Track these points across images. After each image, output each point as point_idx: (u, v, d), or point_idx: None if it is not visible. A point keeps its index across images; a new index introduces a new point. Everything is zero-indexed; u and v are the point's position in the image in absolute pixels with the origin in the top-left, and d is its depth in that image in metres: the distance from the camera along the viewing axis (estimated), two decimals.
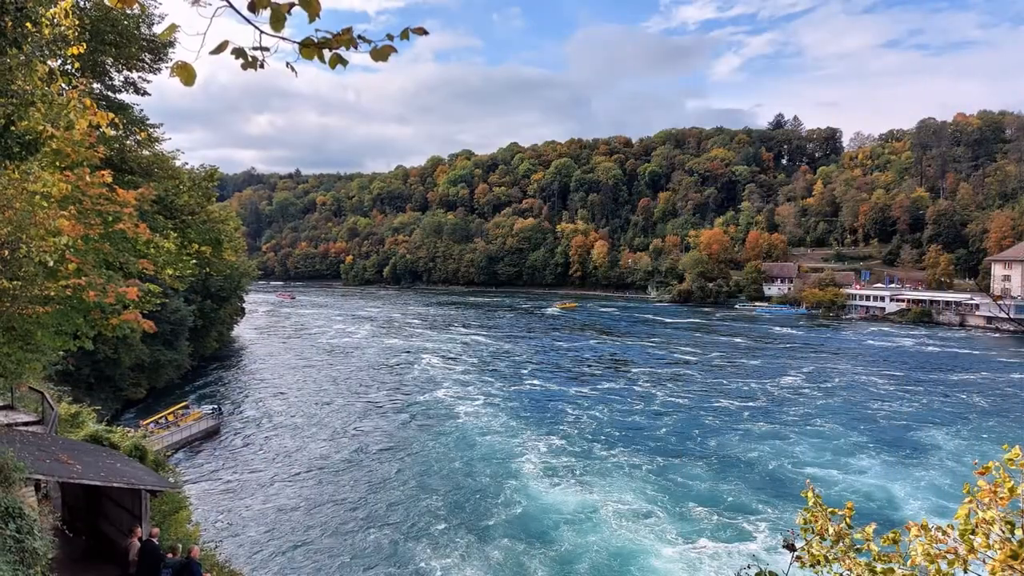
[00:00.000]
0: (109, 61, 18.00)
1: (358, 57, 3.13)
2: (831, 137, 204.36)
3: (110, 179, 9.62)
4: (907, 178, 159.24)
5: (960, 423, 47.70)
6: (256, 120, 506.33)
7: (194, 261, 16.56)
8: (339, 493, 34.70)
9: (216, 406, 50.29)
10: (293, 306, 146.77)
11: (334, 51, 3.05)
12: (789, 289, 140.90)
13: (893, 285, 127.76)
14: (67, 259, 8.76)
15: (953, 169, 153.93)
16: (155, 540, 14.04)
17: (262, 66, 3.20)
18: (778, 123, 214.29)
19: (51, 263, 8.46)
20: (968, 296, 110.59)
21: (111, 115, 8.26)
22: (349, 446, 43.00)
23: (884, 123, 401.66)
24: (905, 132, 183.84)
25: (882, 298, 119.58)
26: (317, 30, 3.00)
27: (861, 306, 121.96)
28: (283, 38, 3.03)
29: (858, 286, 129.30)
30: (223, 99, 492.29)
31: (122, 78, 19.05)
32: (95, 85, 18.16)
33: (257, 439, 44.87)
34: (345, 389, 60.57)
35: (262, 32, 2.98)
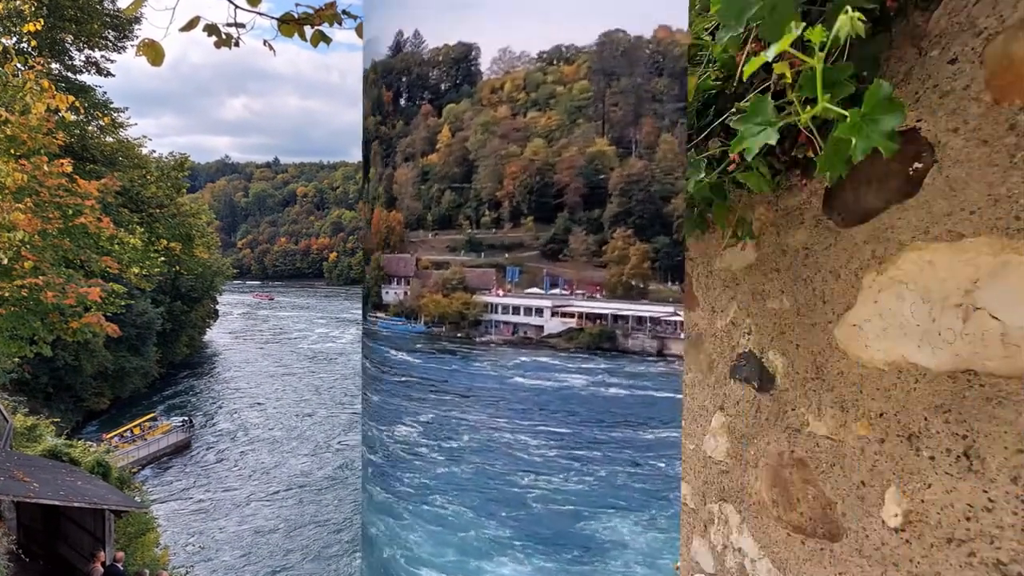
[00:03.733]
0: (69, 39, 18.08)
1: (343, 34, 3.15)
2: (464, 58, 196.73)
3: (70, 168, 9.66)
4: (582, 122, 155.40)
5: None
6: (231, 104, 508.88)
7: (162, 259, 16.58)
8: (322, 513, 34.73)
9: (187, 418, 50.30)
10: (272, 308, 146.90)
11: (316, 28, 3.07)
12: (406, 293, 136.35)
13: (557, 291, 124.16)
14: (23, 256, 8.79)
15: (652, 112, 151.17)
16: (120, 565, 14.09)
17: (237, 44, 3.22)
18: (398, 46, 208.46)
19: (5, 261, 8.49)
20: (671, 311, 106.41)
21: (71, 98, 8.30)
22: (333, 462, 43.01)
23: (550, 34, 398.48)
24: (580, 51, 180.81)
25: (539, 311, 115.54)
26: (297, 4, 3.02)
27: (505, 322, 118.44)
28: (260, 13, 3.05)
29: (501, 292, 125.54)
30: (194, 81, 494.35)
31: (83, 57, 19.15)
32: (54, 65, 18.21)
33: (232, 454, 44.91)
34: (329, 399, 60.58)
35: (237, 7, 3.00)
